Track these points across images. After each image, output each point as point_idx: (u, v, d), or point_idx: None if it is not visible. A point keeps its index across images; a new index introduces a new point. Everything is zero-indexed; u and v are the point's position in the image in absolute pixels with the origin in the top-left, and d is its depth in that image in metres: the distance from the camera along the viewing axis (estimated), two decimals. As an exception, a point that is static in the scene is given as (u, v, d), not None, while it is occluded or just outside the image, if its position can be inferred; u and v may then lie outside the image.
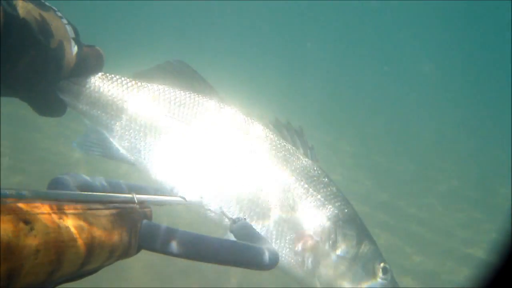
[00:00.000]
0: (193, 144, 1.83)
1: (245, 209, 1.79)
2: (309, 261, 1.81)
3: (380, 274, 1.82)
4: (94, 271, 0.91)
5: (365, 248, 1.84)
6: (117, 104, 1.84)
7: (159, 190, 1.34)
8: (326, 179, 1.91)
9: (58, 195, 0.81)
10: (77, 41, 1.55)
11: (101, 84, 1.83)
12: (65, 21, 1.51)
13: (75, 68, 1.58)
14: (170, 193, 1.38)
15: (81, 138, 1.87)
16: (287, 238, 1.82)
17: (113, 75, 1.86)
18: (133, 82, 1.87)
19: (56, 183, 0.98)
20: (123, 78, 1.87)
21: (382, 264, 1.83)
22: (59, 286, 0.80)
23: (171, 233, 1.04)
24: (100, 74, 1.83)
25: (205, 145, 1.82)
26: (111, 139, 1.87)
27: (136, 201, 1.04)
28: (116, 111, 1.85)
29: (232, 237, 1.41)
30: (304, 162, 1.90)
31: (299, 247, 1.81)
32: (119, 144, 1.87)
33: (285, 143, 1.90)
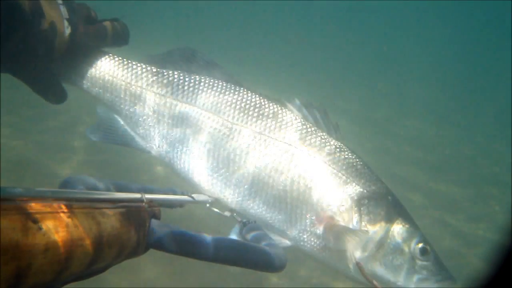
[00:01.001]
0: (209, 132, 1.77)
1: (259, 193, 1.71)
2: (333, 244, 1.66)
3: (418, 255, 1.62)
4: (103, 269, 0.91)
5: (397, 227, 1.66)
6: (131, 90, 1.82)
7: (168, 192, 1.33)
8: (351, 157, 1.77)
9: (66, 194, 0.81)
10: (71, 21, 1.53)
11: (115, 68, 1.81)
12: (59, 1, 1.50)
13: (70, 48, 1.56)
14: (179, 194, 1.37)
15: (94, 126, 1.85)
16: (307, 221, 1.70)
17: (127, 60, 1.84)
18: (148, 67, 1.84)
19: (65, 185, 0.99)
20: (138, 63, 1.85)
21: (419, 245, 1.63)
22: (67, 285, 0.80)
23: (179, 232, 1.04)
24: (114, 57, 1.82)
25: (221, 131, 1.76)
26: (125, 126, 1.85)
27: (145, 200, 1.04)
28: (130, 96, 1.82)
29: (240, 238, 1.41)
30: (324, 140, 1.77)
31: (320, 229, 1.68)
32: (134, 131, 1.84)
33: (304, 122, 1.80)
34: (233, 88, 1.82)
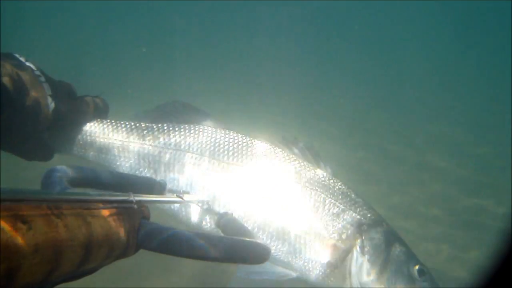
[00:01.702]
0: (206, 174, 1.86)
1: (262, 228, 1.78)
2: (339, 270, 1.74)
3: (417, 276, 1.72)
4: (93, 270, 0.91)
5: (395, 250, 1.76)
6: (124, 146, 1.92)
7: (146, 181, 1.37)
8: (344, 187, 1.88)
9: (56, 194, 0.81)
10: (54, 97, 1.63)
11: (106, 130, 1.93)
12: (42, 79, 1.60)
13: (54, 122, 1.66)
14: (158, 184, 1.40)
15: None
16: (312, 250, 1.77)
17: (115, 121, 1.96)
18: (138, 123, 1.97)
19: (48, 177, 1.00)
20: (126, 122, 1.97)
21: (417, 266, 1.73)
22: (58, 286, 0.80)
23: (169, 232, 1.04)
24: (102, 121, 1.93)
25: (217, 173, 1.85)
26: None
27: (134, 201, 1.04)
28: (125, 152, 1.92)
29: (219, 232, 1.43)
30: (317, 173, 1.88)
31: (325, 257, 1.76)
32: None
33: (295, 158, 1.90)
34: (223, 131, 1.92)
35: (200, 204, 1.73)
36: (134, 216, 1.03)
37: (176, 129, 1.93)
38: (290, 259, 1.79)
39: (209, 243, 1.06)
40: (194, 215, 1.82)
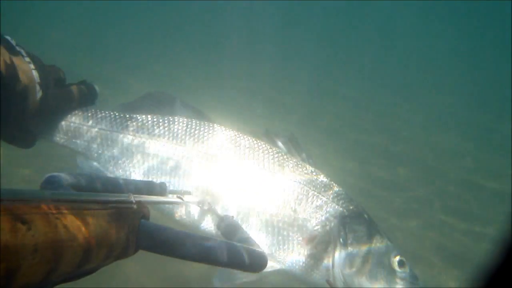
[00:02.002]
0: (189, 165, 1.86)
1: (246, 219, 1.79)
2: (321, 262, 1.77)
3: (397, 267, 1.77)
4: (92, 271, 0.91)
5: (377, 242, 1.80)
6: (107, 135, 1.92)
7: (147, 185, 1.37)
8: (326, 180, 1.90)
9: (55, 195, 0.81)
10: (42, 86, 1.64)
11: (89, 119, 1.93)
12: (32, 66, 1.61)
13: (40, 110, 1.67)
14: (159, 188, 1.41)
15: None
16: (294, 243, 1.79)
17: (99, 110, 1.97)
18: (121, 114, 1.97)
19: (48, 183, 1.00)
20: (110, 112, 1.98)
21: (397, 257, 1.78)
22: (58, 286, 0.80)
23: (169, 233, 1.04)
24: (87, 109, 1.94)
25: (200, 164, 1.85)
26: (104, 171, 1.93)
27: (134, 201, 1.04)
28: (107, 142, 1.93)
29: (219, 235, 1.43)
30: (300, 166, 1.90)
31: (308, 249, 1.78)
32: (114, 174, 1.93)
33: (278, 151, 1.92)
34: (206, 124, 1.94)
35: (200, 205, 1.73)
36: (134, 216, 1.03)
37: (160, 120, 1.93)
38: (273, 251, 1.80)
39: (209, 246, 1.06)
40: (194, 216, 1.82)
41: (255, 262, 1.15)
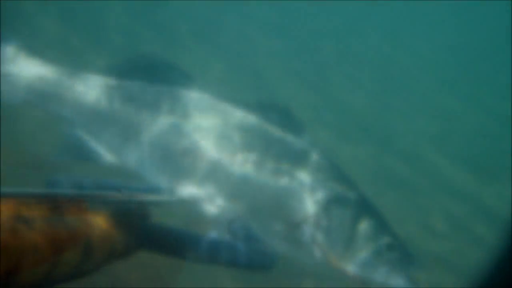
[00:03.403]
0: (173, 137, 1.76)
1: (230, 193, 1.70)
2: (305, 248, 1.71)
3: (385, 251, 1.69)
4: (94, 270, 0.91)
5: (363, 226, 1.74)
6: (89, 104, 1.79)
7: (151, 189, 1.34)
8: (318, 157, 1.80)
9: (56, 195, 0.81)
10: None
11: (71, 83, 1.78)
12: None
13: None
14: (165, 191, 1.38)
15: (60, 148, 1.85)
16: (277, 228, 1.72)
17: (82, 74, 1.80)
18: (105, 79, 1.81)
19: (52, 185, 0.99)
20: (94, 77, 1.81)
21: (385, 240, 1.70)
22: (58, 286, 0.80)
23: (171, 233, 1.04)
24: (68, 72, 1.78)
25: (185, 138, 1.76)
26: (90, 142, 1.86)
27: (135, 202, 1.04)
28: (89, 110, 1.80)
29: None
30: (289, 142, 1.81)
31: (290, 235, 1.72)
32: (99, 145, 1.83)
33: (268, 125, 1.81)
34: (196, 94, 1.82)
35: (203, 203, 1.71)
36: (135, 216, 1.03)
37: (147, 89, 1.82)
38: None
39: (212, 247, 1.05)
40: (201, 216, 1.79)
41: (264, 264, 1.13)
